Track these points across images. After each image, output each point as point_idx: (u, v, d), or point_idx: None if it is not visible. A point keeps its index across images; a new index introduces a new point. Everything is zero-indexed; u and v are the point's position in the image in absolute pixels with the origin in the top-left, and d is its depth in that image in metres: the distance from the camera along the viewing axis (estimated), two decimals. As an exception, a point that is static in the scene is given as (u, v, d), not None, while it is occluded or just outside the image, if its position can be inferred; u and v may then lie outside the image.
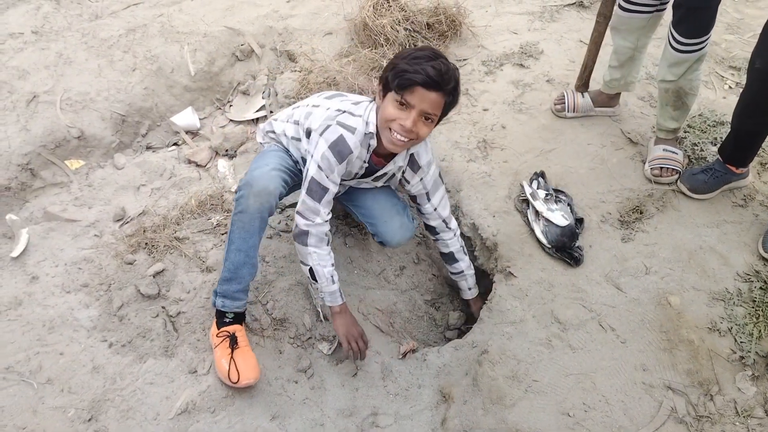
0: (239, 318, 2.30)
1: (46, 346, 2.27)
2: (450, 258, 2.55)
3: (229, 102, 3.52)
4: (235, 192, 2.25)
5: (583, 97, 2.99)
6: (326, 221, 2.21)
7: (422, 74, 1.94)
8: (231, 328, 2.25)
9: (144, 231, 2.67)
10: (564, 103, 3.00)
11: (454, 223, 2.49)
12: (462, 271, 2.58)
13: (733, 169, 2.58)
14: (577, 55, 3.34)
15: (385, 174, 2.31)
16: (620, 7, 2.65)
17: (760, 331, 2.21)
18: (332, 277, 2.28)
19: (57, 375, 2.20)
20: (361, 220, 2.54)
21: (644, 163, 2.77)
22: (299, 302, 2.53)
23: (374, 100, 2.29)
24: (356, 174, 2.30)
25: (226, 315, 2.26)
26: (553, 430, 2.04)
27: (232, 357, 2.18)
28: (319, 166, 2.11)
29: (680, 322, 2.25)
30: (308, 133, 2.22)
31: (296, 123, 2.31)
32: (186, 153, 3.17)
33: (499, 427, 2.07)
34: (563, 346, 2.25)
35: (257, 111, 3.38)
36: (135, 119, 3.26)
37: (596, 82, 3.04)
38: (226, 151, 3.18)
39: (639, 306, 2.32)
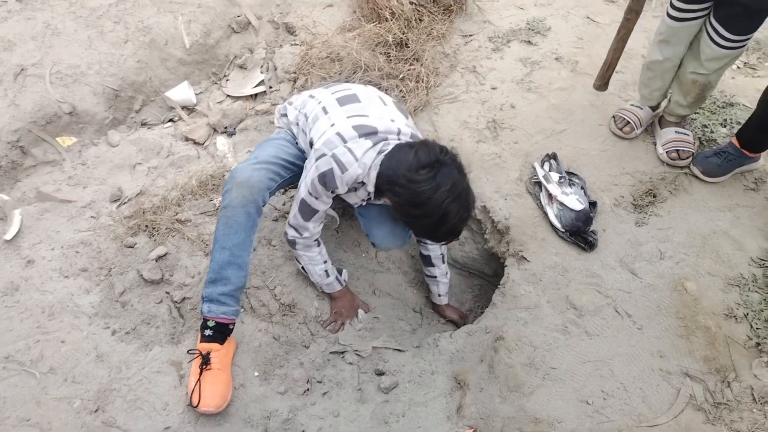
0: (222, 331, 2.11)
1: (47, 334, 2.19)
2: (427, 261, 2.57)
3: (225, 76, 3.39)
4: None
5: (641, 108, 2.79)
6: (314, 234, 2.26)
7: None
8: (206, 347, 2.08)
9: (143, 212, 2.57)
10: (629, 122, 2.77)
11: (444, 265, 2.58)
12: (435, 276, 2.61)
13: (747, 152, 2.55)
14: (584, 32, 3.27)
15: None
16: (672, 17, 2.41)
17: (775, 317, 2.21)
18: (326, 272, 2.38)
19: (60, 364, 2.12)
20: (357, 216, 2.49)
21: (655, 146, 2.73)
22: (308, 287, 2.47)
23: (386, 100, 2.28)
24: (354, 203, 2.31)
25: (208, 325, 2.10)
26: (572, 418, 2.02)
27: (199, 379, 2.03)
28: (309, 191, 2.11)
29: (697, 308, 2.24)
30: (311, 143, 2.19)
31: (305, 117, 2.25)
32: (183, 130, 3.06)
33: (518, 415, 2.05)
34: (579, 333, 2.22)
35: (255, 86, 3.26)
36: (128, 94, 3.12)
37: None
38: (225, 128, 3.08)
39: (654, 291, 2.30)
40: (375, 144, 2.06)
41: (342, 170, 2.02)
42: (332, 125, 2.12)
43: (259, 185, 2.12)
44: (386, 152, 2.02)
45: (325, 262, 2.36)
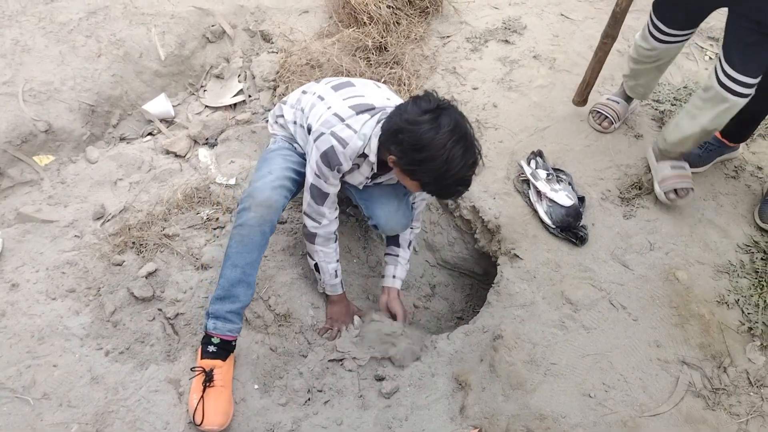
0: (225, 348, 2.09)
1: (38, 359, 2.12)
2: (394, 241, 2.50)
3: (202, 87, 3.34)
4: (238, 205, 2.18)
5: (618, 102, 2.81)
6: (333, 220, 2.24)
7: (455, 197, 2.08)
8: (209, 363, 2.05)
9: (129, 229, 2.51)
10: (607, 117, 2.80)
11: (418, 223, 2.54)
12: (397, 255, 2.50)
13: (727, 142, 2.61)
14: (559, 29, 3.31)
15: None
16: (656, 38, 2.42)
17: (765, 301, 2.26)
18: (336, 272, 2.36)
19: (53, 389, 2.06)
20: (357, 202, 2.47)
21: (651, 179, 2.70)
22: (303, 296, 2.45)
23: (379, 84, 2.24)
24: (359, 183, 2.27)
25: (212, 341, 2.07)
26: (576, 412, 2.04)
27: (202, 396, 1.99)
28: (315, 174, 2.11)
29: (689, 297, 2.28)
30: (309, 129, 2.17)
31: (302, 111, 2.23)
32: (163, 143, 3.00)
33: (523, 412, 2.06)
34: (577, 327, 2.25)
35: (234, 96, 3.22)
36: (105, 109, 3.06)
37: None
38: (206, 139, 3.03)
39: (647, 282, 2.33)
40: (373, 116, 2.06)
41: (343, 145, 2.02)
42: (329, 108, 2.12)
43: (276, 205, 2.11)
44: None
45: (337, 261, 2.35)
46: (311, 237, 2.27)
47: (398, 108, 1.97)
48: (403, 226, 2.44)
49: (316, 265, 2.35)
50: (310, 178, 2.13)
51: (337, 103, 2.11)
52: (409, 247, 2.52)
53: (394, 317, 2.45)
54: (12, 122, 2.76)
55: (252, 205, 2.09)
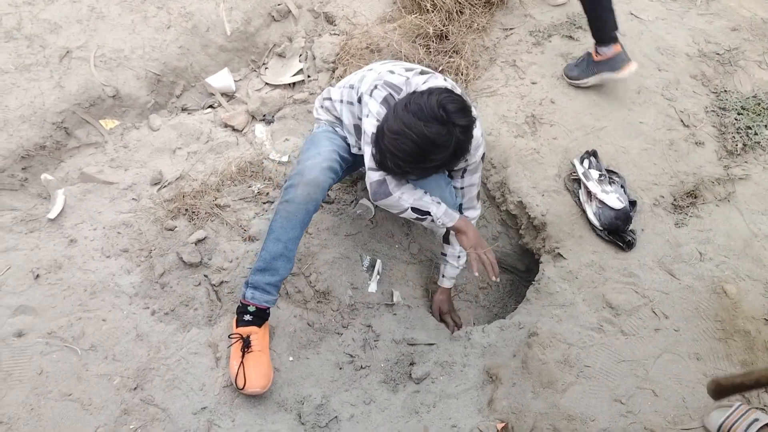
0: (260, 316, 2.16)
1: (88, 312, 2.24)
2: (445, 238, 2.52)
3: (264, 64, 3.41)
4: (285, 181, 2.22)
5: None
6: None
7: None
8: (246, 330, 2.12)
9: (183, 196, 2.61)
10: None
11: (474, 211, 2.43)
12: (445, 254, 2.53)
13: (594, 54, 2.75)
14: (627, 28, 3.21)
15: None
16: None
17: (817, 324, 2.17)
18: (433, 199, 2.16)
19: (100, 342, 2.17)
20: None
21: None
22: (343, 276, 2.49)
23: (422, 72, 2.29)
24: None
25: (248, 310, 2.13)
26: (605, 417, 2.02)
27: (242, 362, 2.06)
28: (377, 120, 2.06)
29: (736, 312, 2.21)
30: (359, 99, 2.20)
31: (351, 87, 2.28)
32: (222, 116, 3.09)
33: (551, 411, 2.05)
34: (615, 332, 2.21)
35: (294, 75, 3.28)
36: (170, 79, 3.16)
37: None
38: (264, 116, 3.10)
39: (693, 293, 2.27)
40: (422, 73, 2.15)
41: (397, 92, 2.08)
42: (379, 73, 2.18)
43: (324, 185, 2.16)
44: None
45: (425, 192, 2.15)
46: (383, 186, 2.08)
47: (434, 89, 1.96)
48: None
49: (411, 209, 2.13)
50: (370, 128, 2.06)
51: (385, 67, 2.19)
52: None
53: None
54: (83, 86, 2.89)
55: (300, 183, 2.13)
